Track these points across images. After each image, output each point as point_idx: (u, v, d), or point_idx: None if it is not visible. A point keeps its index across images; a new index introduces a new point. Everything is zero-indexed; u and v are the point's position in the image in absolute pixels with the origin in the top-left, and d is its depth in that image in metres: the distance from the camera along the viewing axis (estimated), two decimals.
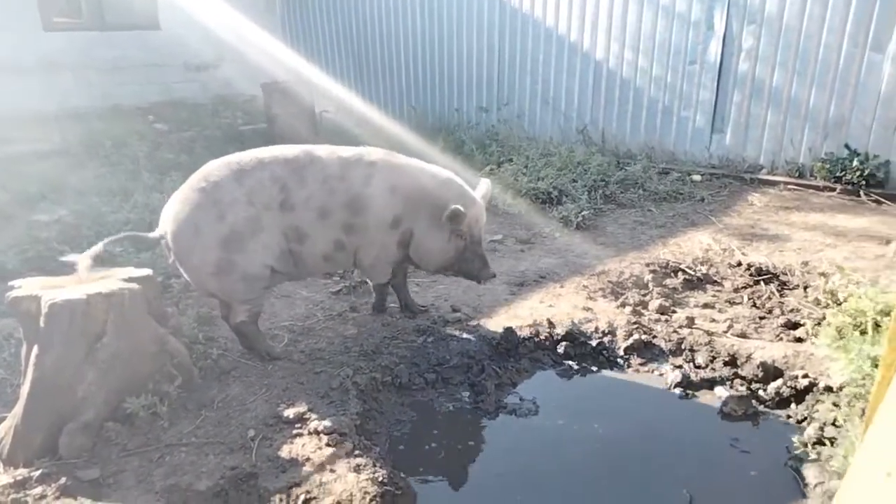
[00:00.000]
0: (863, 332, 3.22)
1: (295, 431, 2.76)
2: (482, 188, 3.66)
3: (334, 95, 10.67)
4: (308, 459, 2.57)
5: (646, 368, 3.51)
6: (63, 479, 2.40)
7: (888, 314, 3.22)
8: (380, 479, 2.44)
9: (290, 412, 2.88)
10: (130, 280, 2.95)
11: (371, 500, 2.30)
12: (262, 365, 3.34)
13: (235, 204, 2.98)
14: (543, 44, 8.56)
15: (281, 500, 2.34)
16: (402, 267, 3.74)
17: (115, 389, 2.75)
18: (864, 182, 6.36)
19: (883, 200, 6.21)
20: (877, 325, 3.20)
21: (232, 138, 9.24)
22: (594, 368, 3.53)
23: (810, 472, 2.61)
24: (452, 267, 3.55)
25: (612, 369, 3.53)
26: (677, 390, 3.27)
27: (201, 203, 3.01)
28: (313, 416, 2.87)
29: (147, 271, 3.11)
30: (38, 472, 2.44)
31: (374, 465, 2.53)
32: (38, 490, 2.37)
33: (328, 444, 2.66)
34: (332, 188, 3.13)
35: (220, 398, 3.03)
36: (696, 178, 7.18)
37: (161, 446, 2.65)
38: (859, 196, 6.34)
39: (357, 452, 2.60)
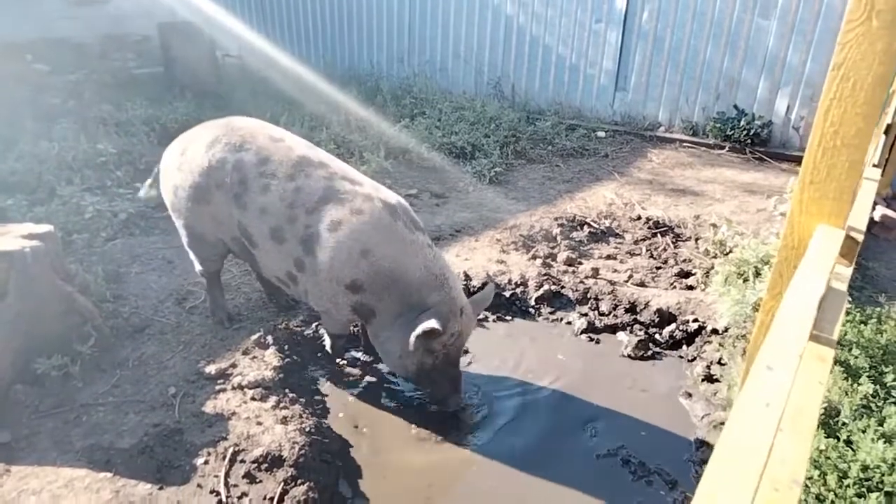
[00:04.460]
0: (745, 280, 3.58)
1: (218, 387, 2.76)
2: (481, 296, 2.88)
3: (236, 39, 10.14)
4: (234, 414, 2.59)
5: (555, 317, 3.74)
6: None
7: (767, 262, 3.59)
8: (307, 429, 2.51)
9: (211, 368, 2.87)
10: (31, 237, 2.80)
11: (300, 450, 2.37)
12: (176, 322, 3.28)
13: (192, 167, 2.83)
14: None
15: (209, 453, 2.36)
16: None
17: (23, 350, 2.63)
18: (749, 141, 6.89)
19: (765, 158, 6.77)
20: (757, 273, 3.56)
21: (125, 83, 8.63)
22: (508, 318, 3.72)
23: (698, 405, 2.94)
24: (411, 379, 2.86)
25: (524, 318, 3.73)
26: (584, 336, 3.53)
27: (175, 147, 3.01)
28: (236, 371, 2.88)
29: (48, 227, 2.96)
30: None
31: (301, 417, 2.59)
32: None
33: (253, 399, 2.69)
34: (293, 216, 2.64)
35: (136, 357, 2.96)
36: (601, 134, 7.49)
37: (76, 407, 2.58)
38: (745, 154, 6.87)
39: (283, 405, 2.65)
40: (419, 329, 2.50)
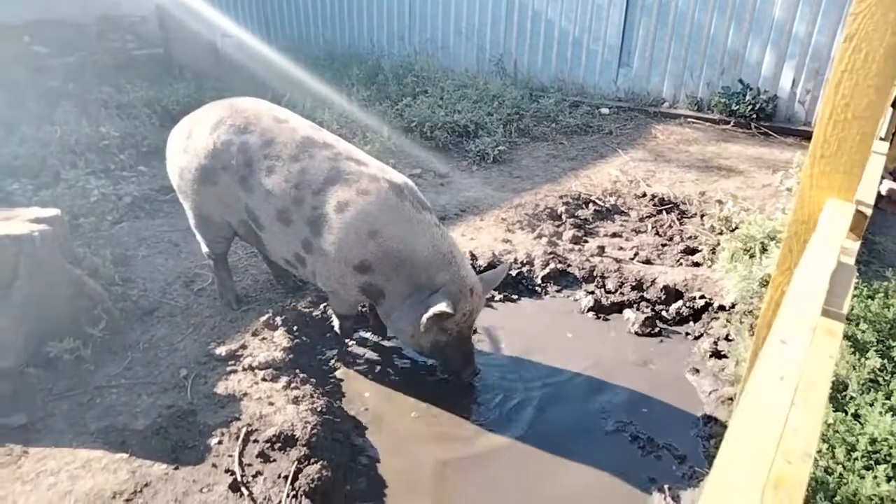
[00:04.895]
0: (752, 256, 3.57)
1: (229, 368, 2.79)
2: (492, 274, 2.93)
3: (233, 19, 10.02)
4: (245, 394, 2.61)
5: (562, 295, 3.75)
6: None
7: (773, 238, 3.59)
8: (319, 408, 2.53)
9: (221, 350, 2.89)
10: (38, 221, 2.80)
11: (313, 429, 2.39)
12: (185, 304, 3.30)
13: (198, 149, 2.83)
14: None
15: (223, 433, 2.39)
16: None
17: (34, 334, 2.65)
18: (754, 115, 6.84)
19: (771, 133, 6.73)
20: (764, 249, 3.56)
21: (124, 64, 8.57)
22: (515, 297, 3.73)
23: (705, 381, 2.95)
24: (425, 354, 2.89)
25: (531, 297, 3.74)
26: (590, 314, 3.54)
27: (180, 129, 2.99)
28: (246, 352, 2.91)
29: (55, 211, 2.96)
30: None
31: (312, 397, 2.62)
32: None
33: (264, 379, 2.71)
34: (300, 197, 2.63)
35: (146, 339, 2.98)
36: (605, 111, 7.44)
37: (89, 389, 2.61)
38: (750, 128, 6.82)
39: (294, 385, 2.68)
40: (431, 312, 2.51)
